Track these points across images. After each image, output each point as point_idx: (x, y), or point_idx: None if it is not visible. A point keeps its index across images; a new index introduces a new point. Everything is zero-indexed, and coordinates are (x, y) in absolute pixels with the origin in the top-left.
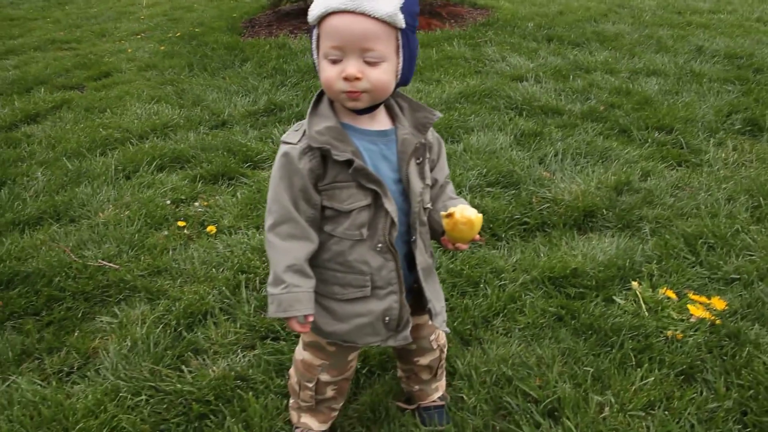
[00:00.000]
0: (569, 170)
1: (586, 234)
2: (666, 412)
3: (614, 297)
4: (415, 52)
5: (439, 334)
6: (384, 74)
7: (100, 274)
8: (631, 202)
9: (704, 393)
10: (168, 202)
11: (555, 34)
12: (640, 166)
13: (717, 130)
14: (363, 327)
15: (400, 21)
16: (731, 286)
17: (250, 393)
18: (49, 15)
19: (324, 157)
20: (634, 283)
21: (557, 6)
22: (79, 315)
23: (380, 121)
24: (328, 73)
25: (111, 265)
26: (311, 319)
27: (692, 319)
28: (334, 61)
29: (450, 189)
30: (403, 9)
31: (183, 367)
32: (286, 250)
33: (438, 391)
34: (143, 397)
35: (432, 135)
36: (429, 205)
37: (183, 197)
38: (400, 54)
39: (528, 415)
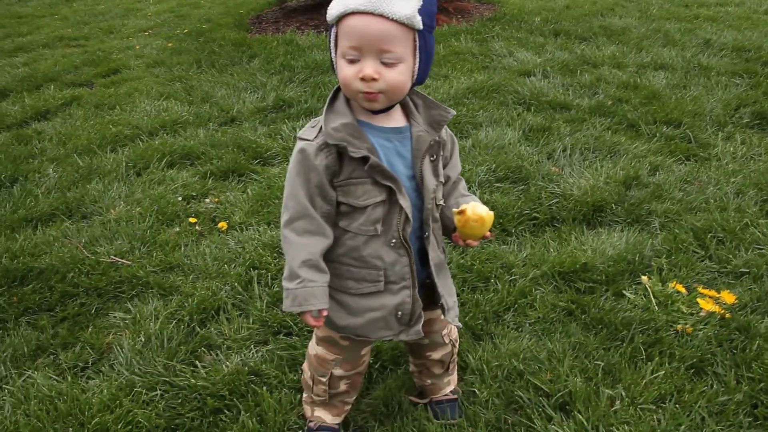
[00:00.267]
0: (578, 165)
1: (595, 229)
2: (677, 405)
3: (624, 291)
4: (432, 52)
5: (451, 328)
6: (400, 75)
7: (112, 270)
8: (640, 197)
9: (715, 386)
10: (179, 198)
11: (562, 28)
12: (649, 161)
13: (725, 123)
14: (376, 321)
15: (418, 23)
16: (741, 279)
17: (264, 388)
18: (57, 12)
19: (340, 153)
20: (644, 278)
21: (564, 0)
22: (93, 311)
23: (395, 118)
24: (346, 72)
25: (123, 261)
26: (325, 313)
27: (702, 313)
28: (352, 61)
29: (462, 186)
30: (421, 10)
31: (197, 362)
32: (302, 246)
33: (450, 385)
34: (158, 392)
35: (446, 132)
36: (441, 202)
37: (194, 194)
38: (417, 55)
39: (540, 409)
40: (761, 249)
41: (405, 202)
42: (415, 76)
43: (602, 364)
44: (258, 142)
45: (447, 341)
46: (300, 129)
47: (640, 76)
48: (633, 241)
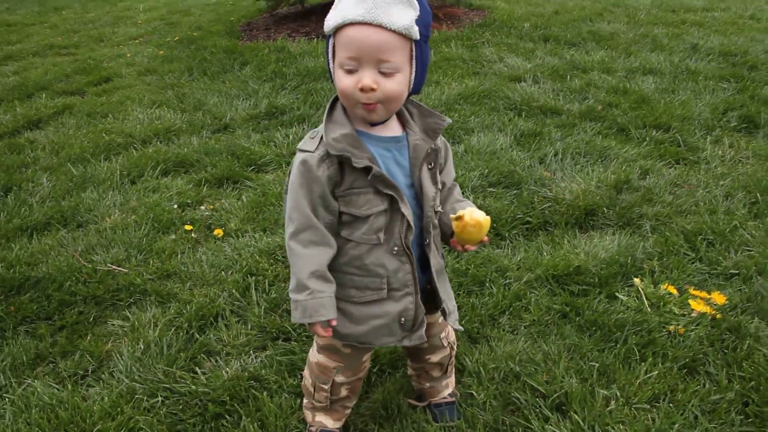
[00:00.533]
0: (569, 169)
1: (587, 232)
2: (670, 405)
3: (617, 293)
4: (427, 61)
5: (448, 331)
6: (398, 85)
7: (110, 278)
8: (631, 200)
9: (707, 385)
10: (175, 206)
11: (551, 34)
12: (639, 165)
13: (713, 127)
14: (379, 328)
15: (415, 33)
16: (731, 281)
17: (264, 393)
18: (46, 20)
19: (341, 164)
20: (636, 280)
21: (552, 6)
22: (91, 319)
23: (392, 128)
24: (344, 82)
25: (120, 269)
26: (335, 323)
27: (693, 314)
28: (350, 71)
29: (457, 191)
30: (418, 21)
31: (196, 368)
32: (309, 257)
33: (448, 387)
34: (159, 398)
35: (439, 139)
36: (440, 209)
37: (189, 201)
38: (413, 64)
39: (537, 410)
40: (750, 251)
41: (407, 210)
42: (412, 86)
43: (597, 365)
44: (252, 149)
45: (445, 344)
46: (293, 136)
47: (629, 81)
48: (625, 244)
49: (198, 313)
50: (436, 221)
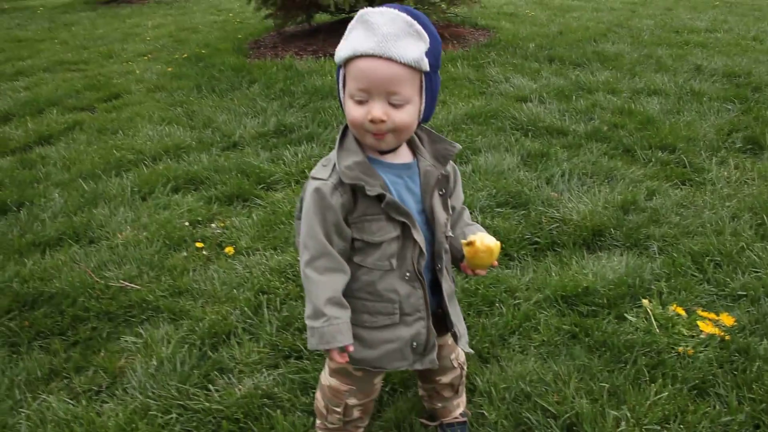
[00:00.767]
0: (576, 190)
1: (595, 253)
2: (681, 426)
3: (626, 314)
4: (437, 90)
5: (459, 352)
6: (408, 116)
7: (122, 295)
8: (638, 221)
9: (717, 407)
10: (186, 223)
11: (556, 54)
12: (645, 186)
13: (719, 148)
14: (392, 353)
15: (425, 65)
16: (739, 302)
17: (278, 411)
18: (56, 36)
19: (354, 191)
20: (645, 301)
21: (556, 26)
22: (104, 335)
23: (403, 154)
24: (354, 113)
25: (132, 285)
26: (351, 349)
27: (702, 335)
28: (360, 102)
29: (466, 215)
30: (428, 52)
31: (210, 385)
32: (325, 284)
33: (459, 407)
34: (173, 415)
35: (449, 164)
36: (450, 233)
37: (199, 218)
38: (423, 95)
39: (548, 430)
40: (758, 272)
41: (419, 236)
42: (422, 116)
43: (607, 386)
44: (261, 167)
45: (456, 365)
46: (302, 155)
47: (634, 102)
48: (632, 265)
49: (210, 330)
50: (447, 246)
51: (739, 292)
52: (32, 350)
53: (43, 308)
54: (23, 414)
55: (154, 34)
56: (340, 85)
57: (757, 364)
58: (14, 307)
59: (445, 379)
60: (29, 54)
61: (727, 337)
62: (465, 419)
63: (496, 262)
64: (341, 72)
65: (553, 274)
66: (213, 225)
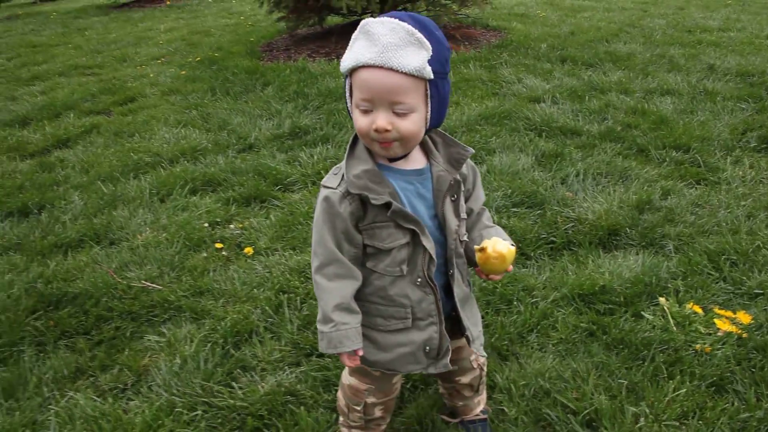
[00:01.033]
0: (591, 190)
1: (611, 252)
2: (700, 422)
3: (642, 312)
4: (446, 96)
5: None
6: (413, 125)
7: (144, 295)
8: (653, 221)
9: (735, 403)
10: (205, 224)
11: (568, 54)
12: (660, 185)
13: (733, 148)
14: (405, 356)
15: (428, 73)
16: (755, 300)
17: (302, 407)
18: (70, 41)
19: (362, 200)
20: (662, 299)
21: (568, 27)
22: (128, 334)
23: (415, 160)
24: (360, 123)
25: (154, 285)
26: (360, 353)
27: (719, 333)
28: (365, 112)
29: (486, 217)
30: (432, 59)
31: (233, 383)
32: (333, 290)
33: (480, 405)
34: (198, 412)
35: (467, 165)
36: (465, 238)
37: (218, 220)
38: (429, 103)
39: (568, 426)
40: None
41: (428, 243)
42: (429, 122)
43: (625, 382)
44: (278, 169)
45: (475, 366)
46: (318, 156)
47: (648, 102)
48: (649, 264)
49: (233, 329)
50: (460, 250)
51: (756, 291)
52: (58, 349)
53: (68, 308)
54: (52, 411)
55: (167, 37)
56: (347, 94)
57: None
58: (39, 307)
59: (465, 379)
60: (44, 59)
61: (744, 335)
62: (486, 416)
63: (511, 267)
64: (348, 81)
65: (570, 273)
66: (231, 226)
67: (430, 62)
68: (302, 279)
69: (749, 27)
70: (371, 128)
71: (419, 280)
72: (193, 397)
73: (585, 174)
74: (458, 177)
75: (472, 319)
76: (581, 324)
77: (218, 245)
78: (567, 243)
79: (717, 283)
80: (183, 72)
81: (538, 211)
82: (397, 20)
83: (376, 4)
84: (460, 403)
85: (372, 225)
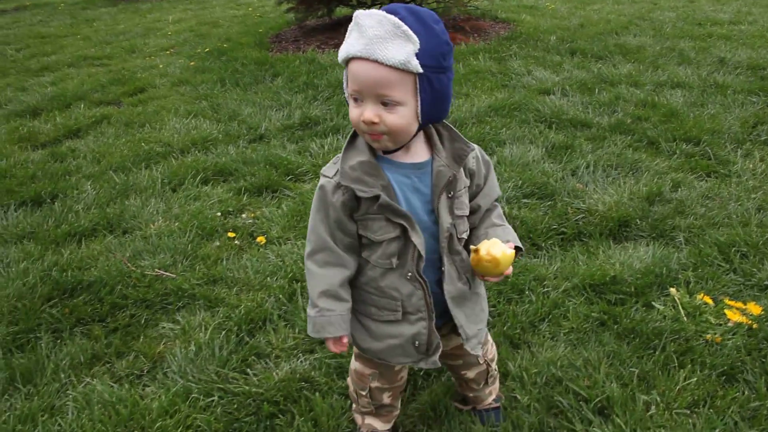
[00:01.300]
0: (601, 182)
1: (621, 243)
2: (710, 410)
3: (653, 303)
4: (445, 91)
5: (487, 349)
6: (400, 119)
7: (158, 283)
8: (664, 212)
9: (746, 393)
10: (218, 213)
11: (578, 47)
12: (670, 177)
13: (744, 141)
14: (395, 348)
15: (415, 67)
16: (766, 292)
17: (316, 393)
18: (78, 32)
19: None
20: (672, 290)
21: (578, 19)
22: (143, 321)
23: (417, 153)
24: (352, 114)
25: (168, 274)
26: (345, 340)
27: (730, 324)
28: (356, 103)
29: (496, 214)
30: (420, 53)
31: (248, 370)
32: (322, 277)
33: (492, 395)
34: (215, 398)
35: (480, 159)
36: (464, 235)
37: (230, 209)
38: (419, 97)
39: (580, 413)
40: None
41: (417, 239)
42: (420, 117)
43: (637, 371)
44: (289, 159)
45: (481, 361)
46: (328, 146)
47: (658, 95)
48: (659, 255)
49: (246, 317)
50: (458, 247)
51: (766, 283)
52: (74, 336)
53: (83, 296)
54: (70, 396)
55: (175, 28)
56: (345, 85)
57: None
58: (55, 295)
59: (470, 374)
60: (53, 50)
61: (754, 326)
62: (498, 404)
63: (509, 271)
64: (345, 73)
65: (581, 264)
66: (244, 215)
67: (418, 56)
68: None
69: (761, 20)
70: (360, 119)
71: (409, 274)
72: (208, 384)
73: (595, 166)
74: (457, 174)
75: (472, 317)
76: (592, 314)
77: (231, 234)
78: (577, 234)
79: (727, 274)
80: (192, 63)
81: (549, 202)
82: (384, 12)
83: None
84: (471, 394)
85: (365, 216)
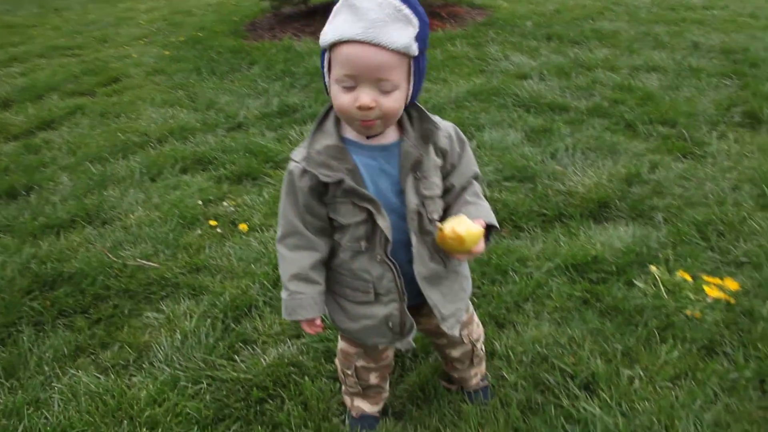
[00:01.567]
0: (580, 164)
1: (601, 223)
2: (692, 382)
3: (634, 281)
4: (424, 71)
5: (472, 329)
6: (396, 102)
7: (140, 273)
8: (642, 193)
9: (725, 364)
10: (199, 202)
11: (554, 32)
12: (648, 159)
13: (718, 123)
14: (370, 328)
15: (414, 50)
16: (741, 268)
17: (305, 377)
18: (48, 22)
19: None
20: (653, 267)
21: (554, 5)
22: (126, 312)
23: (385, 135)
24: (342, 100)
25: (150, 263)
26: (318, 321)
27: (708, 299)
28: (348, 88)
29: (471, 192)
30: (417, 36)
31: (235, 356)
32: (292, 260)
33: (476, 376)
34: (203, 384)
35: (455, 137)
36: (435, 216)
37: (211, 197)
38: (412, 80)
39: (566, 389)
40: (759, 240)
41: (384, 222)
42: (409, 99)
43: (620, 347)
44: (268, 147)
45: (466, 341)
46: (308, 134)
47: (634, 78)
48: (639, 235)
49: (232, 304)
50: (429, 228)
51: (742, 259)
52: (56, 328)
53: (64, 288)
54: (55, 388)
55: (148, 18)
56: (325, 69)
57: (761, 324)
58: (35, 288)
59: (455, 353)
60: (21, 40)
61: (732, 301)
62: (486, 383)
63: (478, 249)
64: (326, 56)
65: (563, 244)
66: (225, 203)
67: (416, 39)
68: None
69: (732, 5)
70: (354, 106)
71: (379, 256)
72: (196, 371)
73: (574, 149)
74: (425, 153)
75: (449, 296)
76: (575, 293)
77: (212, 222)
78: (558, 215)
79: (705, 252)
80: (167, 52)
81: (529, 185)
82: None
83: None
84: (456, 374)
85: (333, 199)
